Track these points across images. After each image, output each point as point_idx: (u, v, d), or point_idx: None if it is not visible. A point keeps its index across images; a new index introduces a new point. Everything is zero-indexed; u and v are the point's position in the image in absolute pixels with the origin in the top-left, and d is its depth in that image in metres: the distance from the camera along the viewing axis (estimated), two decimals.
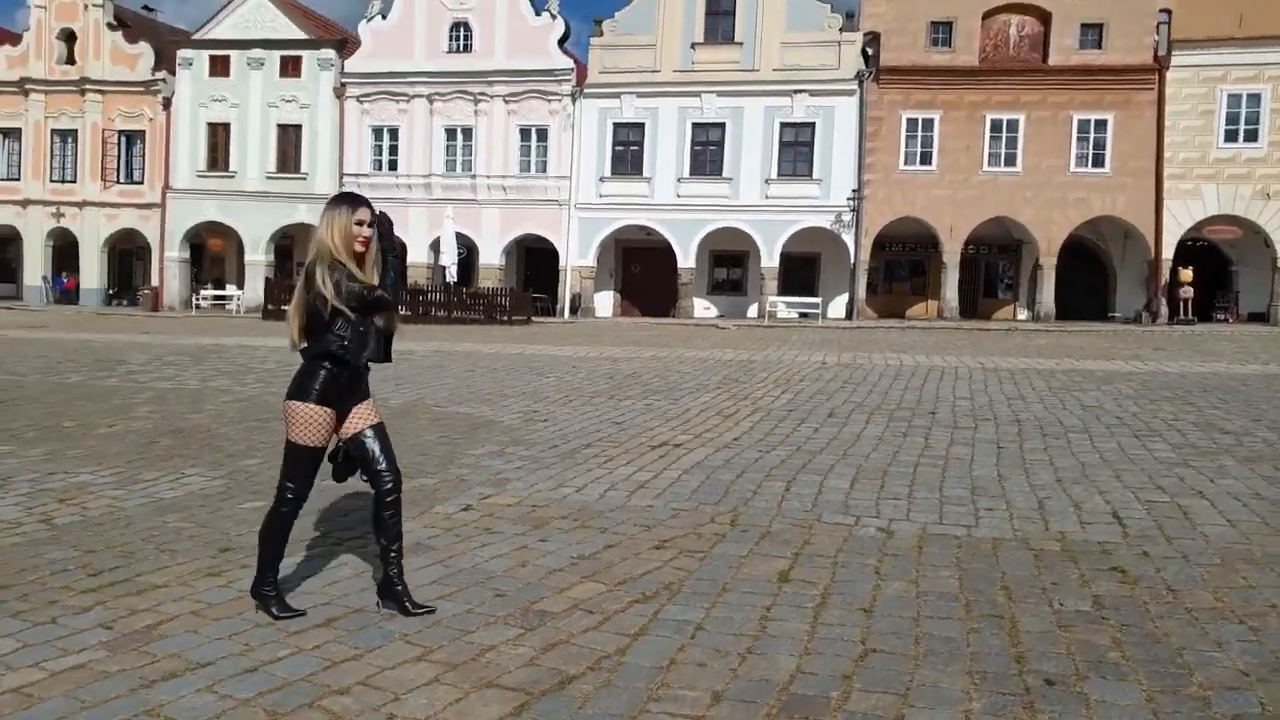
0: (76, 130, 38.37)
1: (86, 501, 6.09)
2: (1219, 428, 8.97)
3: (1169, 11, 30.45)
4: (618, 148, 34.63)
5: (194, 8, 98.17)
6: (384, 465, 4.05)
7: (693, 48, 33.61)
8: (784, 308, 32.98)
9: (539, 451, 7.91)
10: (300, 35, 36.88)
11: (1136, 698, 3.29)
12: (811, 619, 4.05)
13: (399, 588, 4.10)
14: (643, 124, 34.27)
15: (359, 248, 3.92)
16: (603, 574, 4.66)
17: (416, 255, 34.12)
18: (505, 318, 29.21)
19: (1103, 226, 32.30)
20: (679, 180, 34.00)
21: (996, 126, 31.86)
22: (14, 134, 39.03)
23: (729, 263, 35.84)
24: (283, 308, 28.69)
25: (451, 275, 31.14)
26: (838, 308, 33.68)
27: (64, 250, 39.32)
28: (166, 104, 37.61)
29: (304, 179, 36.72)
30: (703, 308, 35.01)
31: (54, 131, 38.69)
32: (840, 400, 11.09)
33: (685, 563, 4.84)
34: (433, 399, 11.14)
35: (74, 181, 38.51)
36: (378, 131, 36.29)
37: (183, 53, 37.48)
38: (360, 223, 3.91)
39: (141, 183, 38.17)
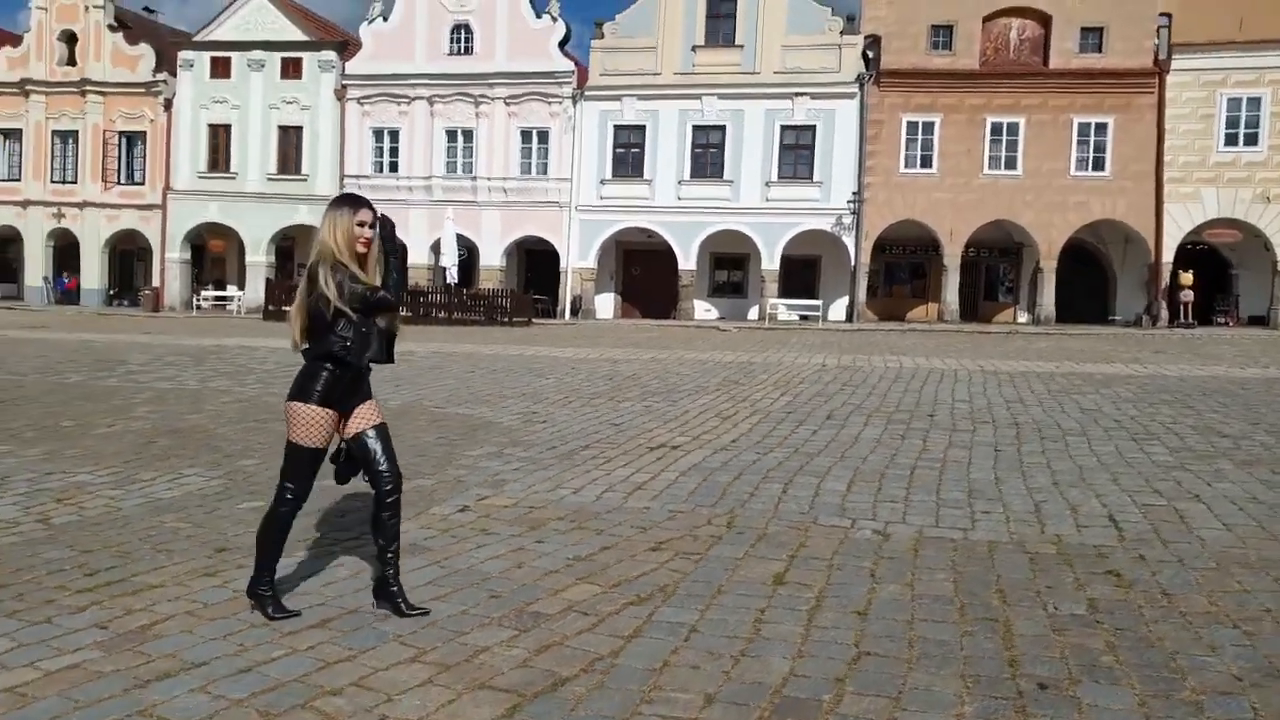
0: (77, 131, 38.43)
1: (84, 501, 6.09)
2: (1217, 431, 8.97)
3: (1169, 15, 30.48)
4: (618, 150, 34.67)
5: (195, 9, 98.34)
6: (385, 466, 4.05)
7: (693, 50, 33.63)
8: (784, 310, 33.01)
9: (537, 453, 7.91)
10: (301, 37, 36.92)
11: (1129, 702, 3.30)
12: (805, 621, 4.05)
13: (394, 589, 4.11)
14: (643, 126, 34.30)
15: (361, 249, 3.93)
16: (598, 576, 4.66)
17: (417, 257, 34.12)
18: (506, 319, 29.24)
19: (1103, 230, 32.32)
20: (679, 182, 34.03)
21: (997, 130, 31.88)
22: (15, 135, 39.12)
23: (730, 265, 35.88)
24: (283, 309, 28.66)
25: (452, 277, 31.16)
26: (838, 310, 33.70)
27: (65, 251, 39.40)
28: (167, 105, 37.66)
29: (305, 180, 36.76)
30: (703, 310, 35.03)
31: (55, 132, 38.77)
32: (839, 402, 11.09)
33: (681, 565, 4.84)
34: (432, 400, 11.15)
35: (75, 182, 38.58)
36: (378, 133, 36.34)
37: (184, 54, 37.53)
38: (362, 224, 3.92)
39: (142, 184, 38.23)
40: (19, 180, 38.93)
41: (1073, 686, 3.41)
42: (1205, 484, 6.71)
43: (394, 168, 36.21)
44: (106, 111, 38.04)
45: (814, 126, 33.14)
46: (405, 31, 35.74)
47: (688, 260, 34.03)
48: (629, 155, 34.60)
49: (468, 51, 35.39)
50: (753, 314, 34.16)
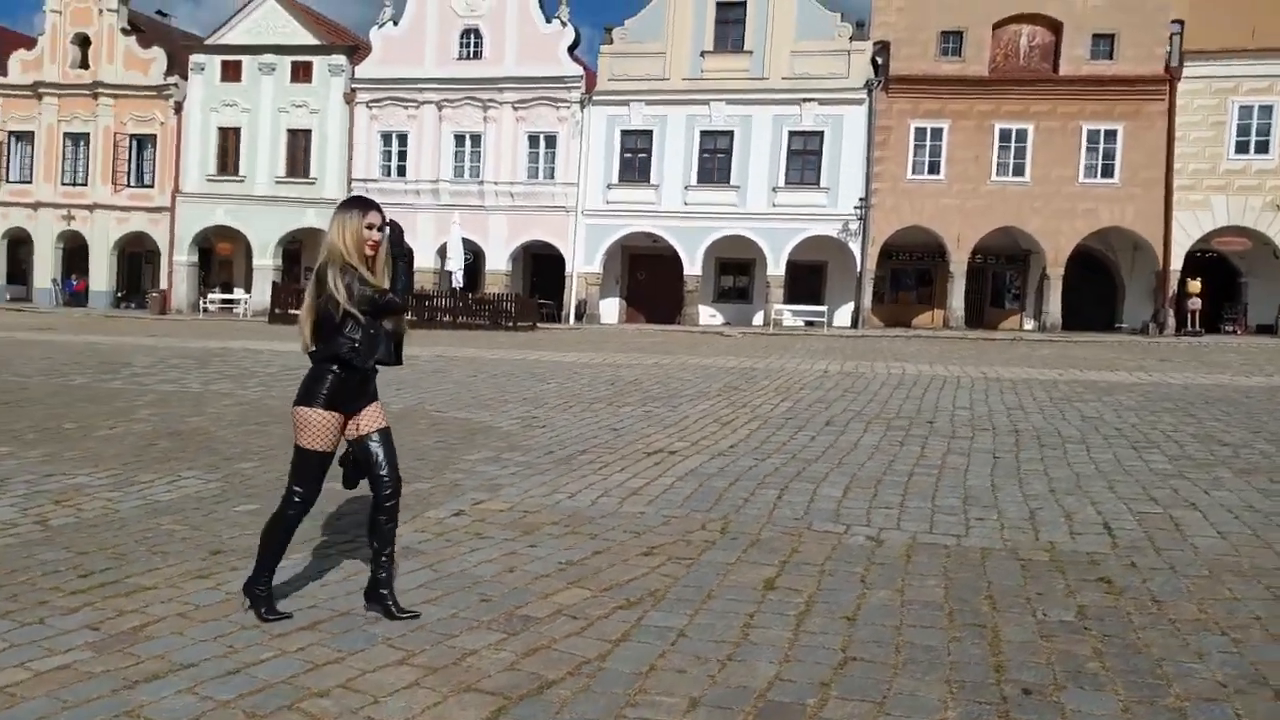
0: (88, 134, 38.62)
1: (82, 503, 6.13)
2: (1218, 440, 8.95)
3: (1181, 22, 30.37)
4: (625, 155, 34.70)
5: (208, 12, 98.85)
6: (385, 471, 4.08)
7: (702, 56, 33.65)
8: (790, 316, 32.98)
9: (535, 457, 7.93)
10: (312, 41, 37.06)
11: (1113, 708, 3.30)
12: (794, 626, 4.06)
13: (385, 592, 4.13)
14: (651, 131, 34.32)
15: (369, 251, 3.96)
16: (589, 580, 4.67)
17: (423, 260, 34.10)
18: (510, 324, 29.28)
19: (1111, 237, 32.23)
20: (686, 188, 34.03)
21: (1005, 136, 31.81)
22: (26, 137, 39.33)
23: (735, 270, 35.86)
24: (290, 311, 28.70)
25: (458, 281, 31.23)
26: (844, 316, 33.66)
27: (74, 253, 39.59)
28: (178, 108, 37.84)
29: (313, 184, 36.88)
30: (708, 315, 35.00)
31: (66, 135, 38.98)
32: (839, 409, 11.09)
33: (672, 569, 4.85)
34: (433, 404, 11.18)
35: (85, 184, 38.75)
36: (387, 137, 36.45)
37: (195, 58, 37.68)
38: (371, 226, 3.95)
39: (152, 186, 38.40)
40: (30, 182, 39.16)
41: (1057, 692, 3.42)
42: (1202, 492, 6.70)
43: (402, 172, 36.30)
44: (117, 114, 38.24)
45: (822, 132, 33.12)
46: (415, 36, 35.85)
47: (693, 265, 34.03)
48: (636, 160, 34.62)
49: (477, 56, 35.46)
50: (758, 319, 34.15)
